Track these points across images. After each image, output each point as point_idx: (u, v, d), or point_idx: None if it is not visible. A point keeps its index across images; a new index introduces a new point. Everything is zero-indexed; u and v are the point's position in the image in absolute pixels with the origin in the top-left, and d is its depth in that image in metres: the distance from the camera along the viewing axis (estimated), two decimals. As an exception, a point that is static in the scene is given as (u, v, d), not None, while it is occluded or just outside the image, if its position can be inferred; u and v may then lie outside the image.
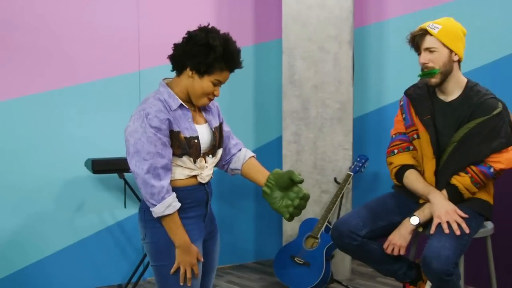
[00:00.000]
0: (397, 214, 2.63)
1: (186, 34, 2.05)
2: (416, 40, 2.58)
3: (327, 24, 3.59)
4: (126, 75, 3.59)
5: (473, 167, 2.52)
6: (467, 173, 2.52)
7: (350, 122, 3.64)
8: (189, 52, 2.02)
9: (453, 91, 2.60)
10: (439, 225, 2.45)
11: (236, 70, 2.07)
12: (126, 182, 3.41)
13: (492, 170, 2.51)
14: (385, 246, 2.54)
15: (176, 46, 2.06)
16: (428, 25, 2.56)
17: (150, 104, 2.03)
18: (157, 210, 2.01)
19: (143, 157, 1.99)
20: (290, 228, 3.72)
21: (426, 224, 2.54)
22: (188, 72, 2.04)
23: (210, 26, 2.05)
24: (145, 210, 2.07)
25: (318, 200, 3.68)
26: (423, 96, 2.65)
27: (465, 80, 2.63)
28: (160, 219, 2.03)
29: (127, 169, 3.16)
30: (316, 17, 3.59)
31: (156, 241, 2.06)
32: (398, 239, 2.52)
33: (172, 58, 2.08)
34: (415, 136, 2.65)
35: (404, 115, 2.70)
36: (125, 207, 3.56)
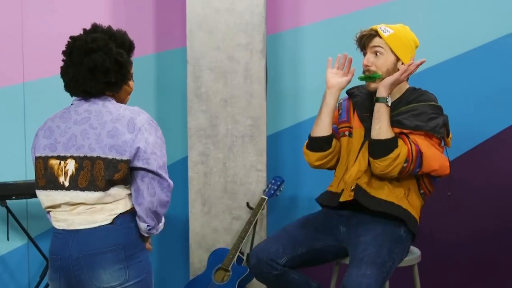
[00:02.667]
0: (316, 239, 2.69)
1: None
2: (364, 40, 2.67)
3: (237, 30, 3.55)
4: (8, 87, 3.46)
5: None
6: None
7: (264, 140, 3.61)
8: (129, 61, 2.22)
9: (393, 97, 2.68)
10: (361, 253, 2.50)
11: (136, 83, 2.24)
12: (9, 210, 3.29)
13: (418, 149, 2.56)
14: None
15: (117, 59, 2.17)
16: (380, 26, 2.65)
17: (145, 113, 2.19)
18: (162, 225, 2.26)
19: (166, 170, 2.17)
20: (198, 260, 3.66)
21: (345, 254, 2.63)
22: (130, 83, 2.26)
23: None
24: (124, 246, 2.11)
25: (229, 228, 3.64)
26: (365, 95, 2.74)
27: (408, 86, 2.75)
28: (143, 242, 2.19)
29: (10, 196, 3.34)
30: (225, 23, 3.55)
31: (143, 277, 2.14)
32: None
33: (113, 72, 2.16)
34: (346, 133, 2.75)
35: (340, 111, 2.81)
36: (8, 239, 3.43)
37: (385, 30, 2.64)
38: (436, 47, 3.57)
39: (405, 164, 2.56)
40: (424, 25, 3.65)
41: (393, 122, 2.62)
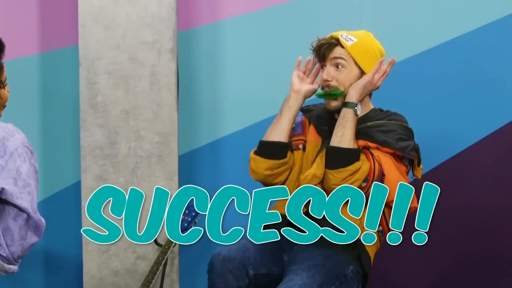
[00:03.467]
0: (273, 263, 2.62)
1: None
2: (323, 50, 2.64)
3: (141, 25, 3.40)
4: None
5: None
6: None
7: (175, 160, 3.48)
8: None
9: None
10: (282, 284, 2.43)
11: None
12: None
13: (382, 170, 2.53)
14: None
15: None
16: (341, 34, 2.62)
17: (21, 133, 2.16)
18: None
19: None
20: (94, 310, 3.45)
21: None
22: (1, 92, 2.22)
23: None
24: None
25: (133, 270, 3.49)
26: (323, 111, 2.76)
27: (372, 106, 2.74)
28: None
29: None
30: (126, 16, 3.39)
31: None
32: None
33: None
34: (300, 146, 2.75)
35: (294, 125, 2.78)
36: None
37: (348, 38, 2.62)
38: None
39: (364, 184, 2.50)
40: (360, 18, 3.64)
41: (359, 134, 2.61)
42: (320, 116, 2.76)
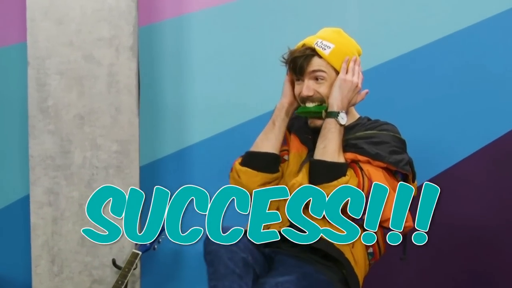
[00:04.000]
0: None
1: None
2: (300, 64, 2.50)
3: (97, 20, 3.30)
4: None
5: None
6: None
7: (136, 172, 3.38)
8: None
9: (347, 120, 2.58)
10: None
11: None
12: None
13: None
14: None
15: None
16: (315, 42, 2.51)
17: None
18: None
19: None
20: None
21: None
22: None
23: None
24: None
25: None
26: (303, 122, 2.63)
27: (358, 114, 2.65)
28: None
29: None
30: (80, 9, 3.28)
31: None
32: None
33: None
34: (285, 157, 2.66)
35: None
36: None
37: (324, 46, 2.50)
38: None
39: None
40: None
41: (347, 146, 2.49)
42: (302, 124, 2.66)
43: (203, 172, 3.35)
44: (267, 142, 2.61)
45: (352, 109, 2.62)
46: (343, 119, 2.45)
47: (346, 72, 2.50)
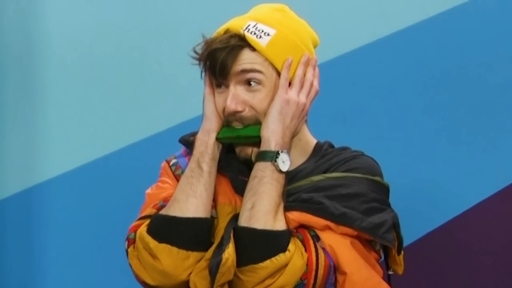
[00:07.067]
0: None
1: None
2: (222, 61, 1.67)
3: None
4: None
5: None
6: None
7: None
8: None
9: (294, 160, 1.75)
10: None
11: None
12: None
13: (333, 265, 1.64)
14: None
15: None
16: (246, 26, 1.69)
17: None
18: None
19: None
20: None
21: None
22: None
23: None
24: None
25: None
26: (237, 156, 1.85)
27: (315, 141, 1.85)
28: None
29: None
30: None
31: None
32: None
33: None
34: (212, 211, 1.89)
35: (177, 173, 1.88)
36: None
37: (260, 33, 1.70)
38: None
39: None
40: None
41: (294, 200, 1.71)
42: (234, 158, 1.85)
43: (56, 220, 2.88)
44: (194, 200, 1.71)
45: (307, 131, 1.87)
46: (285, 162, 1.69)
47: (290, 85, 1.71)
